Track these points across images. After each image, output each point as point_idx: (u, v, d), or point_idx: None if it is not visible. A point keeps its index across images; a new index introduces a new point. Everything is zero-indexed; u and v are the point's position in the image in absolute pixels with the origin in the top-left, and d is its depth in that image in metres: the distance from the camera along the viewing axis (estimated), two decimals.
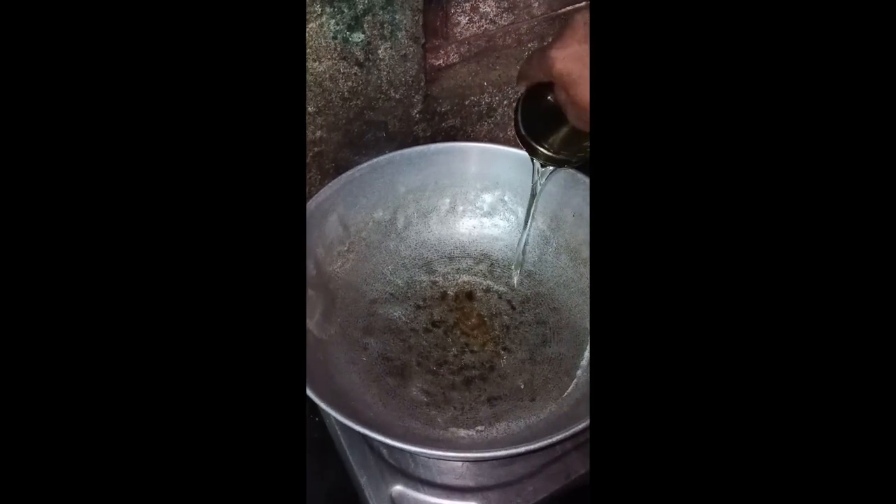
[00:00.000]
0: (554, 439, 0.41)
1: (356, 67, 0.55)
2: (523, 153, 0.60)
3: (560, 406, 0.51)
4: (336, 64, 0.54)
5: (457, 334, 0.57)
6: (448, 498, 0.48)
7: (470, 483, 0.48)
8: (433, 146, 0.61)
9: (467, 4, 0.61)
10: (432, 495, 0.48)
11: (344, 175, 0.57)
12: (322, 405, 0.42)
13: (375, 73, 0.57)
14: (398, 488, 0.48)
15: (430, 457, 0.49)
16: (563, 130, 0.45)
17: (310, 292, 0.53)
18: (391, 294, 0.59)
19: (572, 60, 0.37)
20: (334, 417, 0.42)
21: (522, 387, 0.53)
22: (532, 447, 0.41)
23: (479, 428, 0.50)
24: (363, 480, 0.48)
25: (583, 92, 0.37)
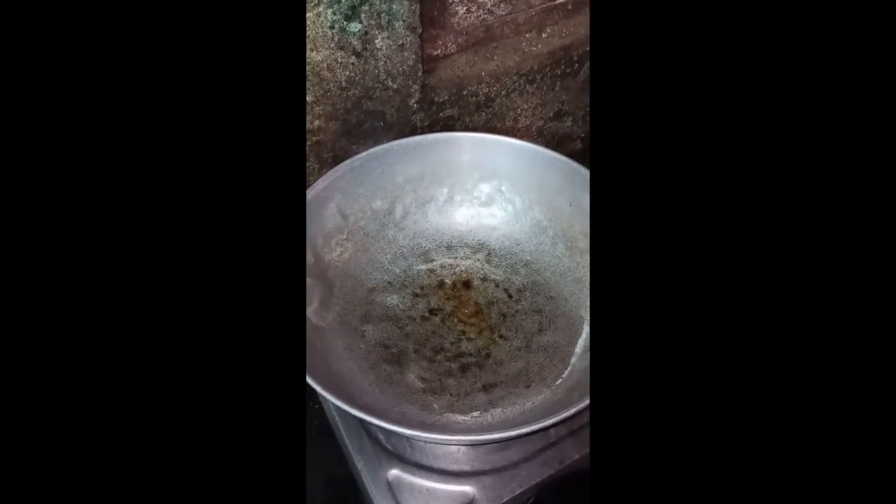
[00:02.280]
0: (548, 423, 0.42)
1: (353, 57, 0.55)
2: (521, 143, 0.60)
3: (554, 393, 0.52)
4: (333, 53, 0.54)
5: (454, 322, 0.57)
6: (444, 482, 0.48)
7: (465, 468, 0.49)
8: (431, 136, 0.61)
9: None
10: (428, 479, 0.48)
11: (342, 164, 0.57)
12: (320, 391, 0.43)
13: (373, 62, 0.57)
14: (394, 472, 0.49)
15: (426, 441, 0.49)
16: None
17: (308, 281, 0.54)
18: (389, 282, 0.60)
19: None
20: (332, 403, 0.43)
21: (518, 374, 0.54)
22: (525, 430, 0.42)
23: (474, 414, 0.51)
24: (360, 465, 0.49)
25: None
